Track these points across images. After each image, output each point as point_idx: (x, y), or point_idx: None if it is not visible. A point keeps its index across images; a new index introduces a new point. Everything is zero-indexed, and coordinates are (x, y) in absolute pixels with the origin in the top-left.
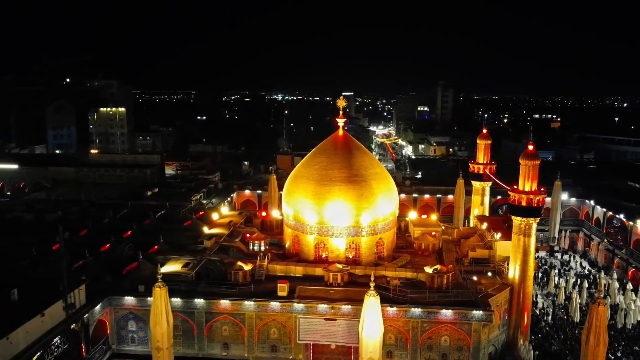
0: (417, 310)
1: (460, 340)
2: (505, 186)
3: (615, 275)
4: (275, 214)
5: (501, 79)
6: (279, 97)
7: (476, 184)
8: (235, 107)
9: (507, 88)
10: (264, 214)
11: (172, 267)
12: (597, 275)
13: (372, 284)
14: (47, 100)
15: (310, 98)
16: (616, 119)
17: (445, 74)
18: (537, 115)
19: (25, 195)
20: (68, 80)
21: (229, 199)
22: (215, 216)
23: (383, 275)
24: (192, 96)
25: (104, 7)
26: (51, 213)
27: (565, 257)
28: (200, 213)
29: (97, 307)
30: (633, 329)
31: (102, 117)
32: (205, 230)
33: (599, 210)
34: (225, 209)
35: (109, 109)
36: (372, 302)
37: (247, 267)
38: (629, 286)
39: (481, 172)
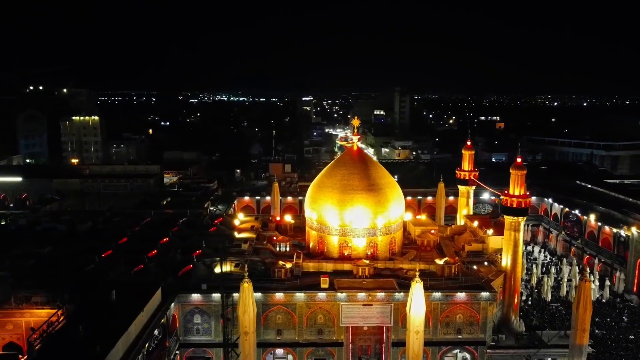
0: (437, 294)
1: (472, 317)
2: (489, 189)
3: (575, 262)
4: (287, 218)
5: (439, 76)
6: (224, 98)
7: (462, 188)
8: (183, 110)
9: (446, 87)
10: (278, 218)
11: (225, 267)
12: (559, 262)
13: (417, 274)
14: (17, 109)
15: (256, 99)
16: (553, 119)
17: (390, 75)
18: (483, 118)
19: (36, 207)
20: (32, 88)
21: (233, 205)
22: (236, 222)
23: (400, 267)
24: (134, 97)
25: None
26: (83, 223)
27: (529, 248)
28: (220, 219)
29: (173, 304)
30: (592, 304)
31: (75, 126)
32: (236, 234)
33: (557, 207)
34: (241, 215)
35: (82, 118)
36: (418, 287)
37: (288, 265)
38: (588, 270)
39: (467, 178)
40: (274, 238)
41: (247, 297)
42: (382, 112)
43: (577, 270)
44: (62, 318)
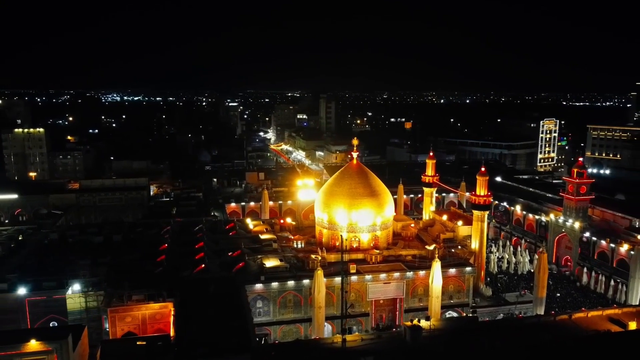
0: None
1: (459, 286)
2: (450, 189)
3: (507, 244)
4: (289, 220)
5: (334, 74)
6: (118, 98)
7: (427, 190)
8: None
9: (340, 84)
10: (281, 220)
11: (272, 262)
12: (493, 244)
13: (436, 255)
14: None
15: (152, 98)
16: (451, 119)
17: (282, 69)
18: (393, 120)
19: (45, 222)
20: None
21: (227, 210)
22: (250, 226)
23: (399, 254)
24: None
25: None
26: (116, 234)
27: None
28: (232, 224)
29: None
30: (522, 275)
31: (18, 138)
32: (261, 236)
33: None
34: (249, 220)
35: (25, 130)
36: (437, 265)
37: (319, 257)
38: (520, 249)
39: (431, 181)
40: (291, 237)
41: (320, 281)
42: (304, 117)
43: (511, 250)
44: (173, 309)
